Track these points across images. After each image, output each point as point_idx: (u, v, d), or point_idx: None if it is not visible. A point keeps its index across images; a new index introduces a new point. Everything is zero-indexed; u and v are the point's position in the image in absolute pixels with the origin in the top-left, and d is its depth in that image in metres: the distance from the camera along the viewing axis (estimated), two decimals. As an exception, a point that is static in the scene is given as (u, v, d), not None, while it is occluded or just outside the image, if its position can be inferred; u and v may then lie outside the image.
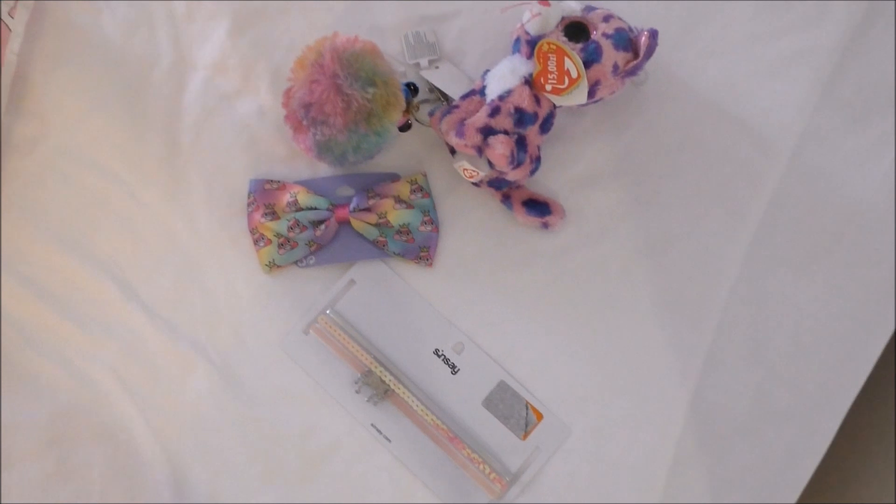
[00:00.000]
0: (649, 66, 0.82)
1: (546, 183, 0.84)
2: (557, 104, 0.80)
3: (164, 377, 0.81)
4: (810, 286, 0.83)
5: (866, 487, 0.90)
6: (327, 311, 0.81)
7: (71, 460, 0.79)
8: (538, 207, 0.82)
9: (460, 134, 0.77)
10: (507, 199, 0.83)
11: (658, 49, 0.80)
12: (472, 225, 0.84)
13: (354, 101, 0.75)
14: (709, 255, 0.84)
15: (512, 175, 0.79)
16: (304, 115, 0.77)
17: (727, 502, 0.80)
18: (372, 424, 0.79)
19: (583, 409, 0.81)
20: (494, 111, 0.78)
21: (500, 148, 0.76)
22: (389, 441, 0.79)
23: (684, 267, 0.83)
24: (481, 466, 0.78)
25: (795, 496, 0.81)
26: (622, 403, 0.81)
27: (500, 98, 0.78)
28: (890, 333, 0.82)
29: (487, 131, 0.77)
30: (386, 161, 0.85)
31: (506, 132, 0.78)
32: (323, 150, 0.78)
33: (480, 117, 0.78)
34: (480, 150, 0.78)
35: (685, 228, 0.84)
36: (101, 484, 0.79)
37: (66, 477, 0.79)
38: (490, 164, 0.78)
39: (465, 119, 0.79)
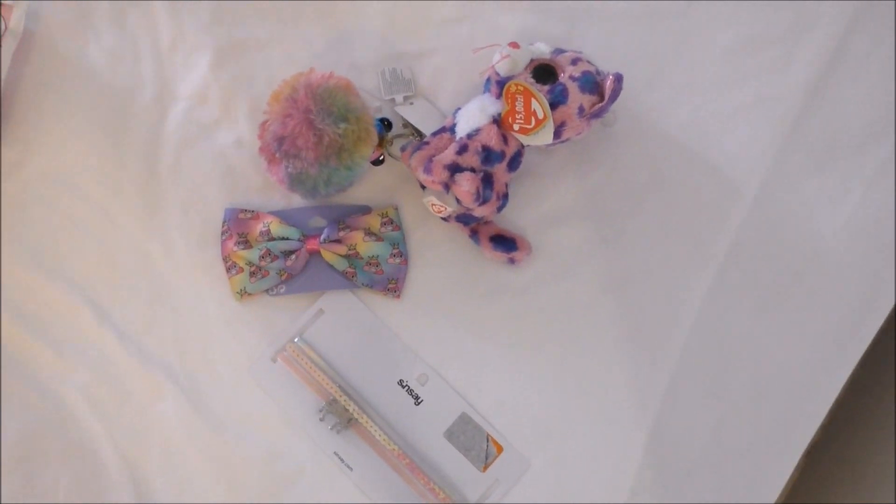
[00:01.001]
0: (618, 107, 0.83)
1: (514, 219, 0.86)
2: (525, 143, 0.82)
3: (133, 400, 0.82)
4: (770, 325, 0.85)
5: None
6: (295, 340, 0.83)
7: (38, 479, 0.80)
8: (505, 243, 0.84)
9: (428, 170, 0.79)
10: (474, 234, 0.84)
11: (628, 91, 0.82)
12: (440, 259, 0.85)
13: (326, 136, 0.77)
14: (671, 293, 0.85)
15: (479, 211, 0.81)
16: (278, 148, 0.79)
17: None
18: (335, 452, 0.81)
19: (543, 442, 0.82)
20: (462, 149, 0.80)
21: (465, 185, 0.78)
22: (351, 469, 0.80)
23: (647, 304, 0.85)
24: (441, 497, 0.79)
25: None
26: (581, 437, 0.82)
27: (469, 136, 0.80)
28: (848, 374, 0.84)
29: (455, 168, 0.79)
30: (359, 194, 0.86)
31: (473, 170, 0.79)
32: (295, 182, 0.80)
33: (448, 154, 0.80)
34: (447, 187, 0.79)
35: (649, 267, 0.86)
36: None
37: (31, 495, 0.80)
38: (457, 200, 0.80)
39: (433, 155, 0.80)
